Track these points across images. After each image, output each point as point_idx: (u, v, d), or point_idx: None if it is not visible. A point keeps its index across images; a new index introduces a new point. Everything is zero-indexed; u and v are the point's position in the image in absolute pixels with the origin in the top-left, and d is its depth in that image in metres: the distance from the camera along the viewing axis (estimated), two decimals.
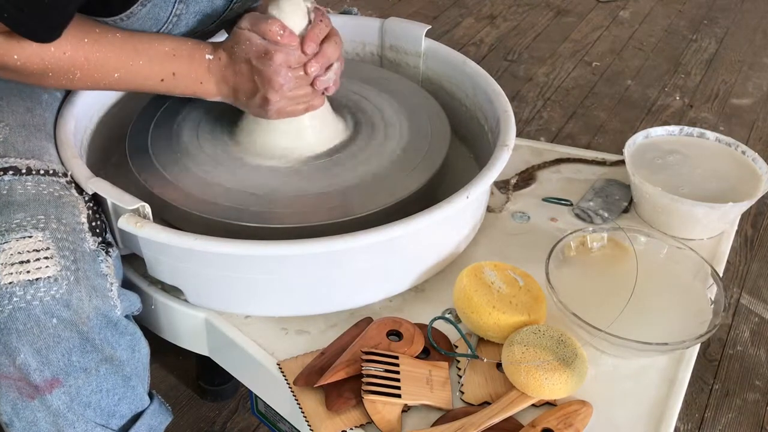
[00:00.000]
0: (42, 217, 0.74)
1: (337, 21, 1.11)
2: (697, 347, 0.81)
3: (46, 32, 0.73)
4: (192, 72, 0.83)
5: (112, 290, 0.75)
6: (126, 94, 1.03)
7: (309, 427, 0.73)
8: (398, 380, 0.73)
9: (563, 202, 1.00)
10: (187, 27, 0.86)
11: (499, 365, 0.77)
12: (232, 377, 0.93)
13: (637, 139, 1.02)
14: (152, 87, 0.83)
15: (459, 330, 0.79)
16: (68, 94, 0.93)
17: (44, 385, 0.72)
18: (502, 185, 1.04)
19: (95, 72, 0.79)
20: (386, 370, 0.74)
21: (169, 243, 0.75)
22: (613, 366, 0.79)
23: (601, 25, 2.61)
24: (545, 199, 1.01)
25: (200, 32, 0.91)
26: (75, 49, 0.76)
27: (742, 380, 1.39)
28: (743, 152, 1.00)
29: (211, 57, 0.83)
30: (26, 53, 0.74)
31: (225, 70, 0.83)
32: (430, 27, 1.09)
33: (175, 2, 0.81)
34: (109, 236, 0.80)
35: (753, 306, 1.54)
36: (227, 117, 0.96)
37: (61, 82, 0.79)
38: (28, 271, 0.70)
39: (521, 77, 2.28)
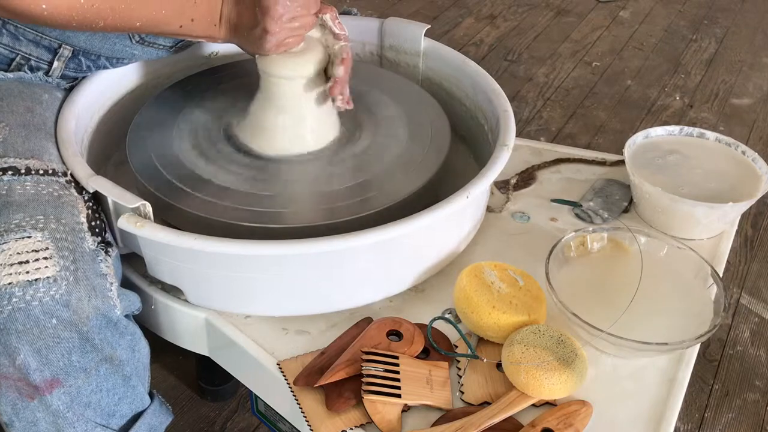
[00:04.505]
0: (41, 217, 0.74)
1: None
2: (697, 347, 0.81)
3: None
4: (209, 16, 0.83)
5: (111, 290, 0.75)
6: (127, 93, 1.03)
7: (309, 427, 0.73)
8: (398, 380, 0.73)
9: (571, 203, 1.00)
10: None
11: (499, 365, 0.77)
12: (232, 377, 0.93)
13: (637, 139, 1.02)
14: (170, 32, 0.84)
15: (459, 330, 0.79)
16: (69, 94, 0.93)
17: (44, 386, 0.72)
18: (502, 185, 1.03)
19: (119, 22, 0.79)
20: (386, 370, 0.74)
21: (169, 243, 0.75)
22: (613, 366, 0.79)
23: (601, 25, 2.61)
24: (553, 201, 1.01)
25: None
26: (103, 0, 0.76)
27: (742, 380, 1.38)
28: (743, 152, 1.00)
29: None
30: (54, 3, 0.74)
31: (231, 9, 0.84)
32: (430, 27, 1.09)
33: None
34: (108, 236, 0.80)
35: (753, 306, 1.54)
36: (227, 116, 0.96)
37: (84, 30, 0.81)
38: (28, 272, 0.70)
39: (521, 77, 2.28)
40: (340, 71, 0.88)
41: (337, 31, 0.89)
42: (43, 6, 0.74)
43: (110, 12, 0.77)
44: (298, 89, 0.89)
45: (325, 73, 0.91)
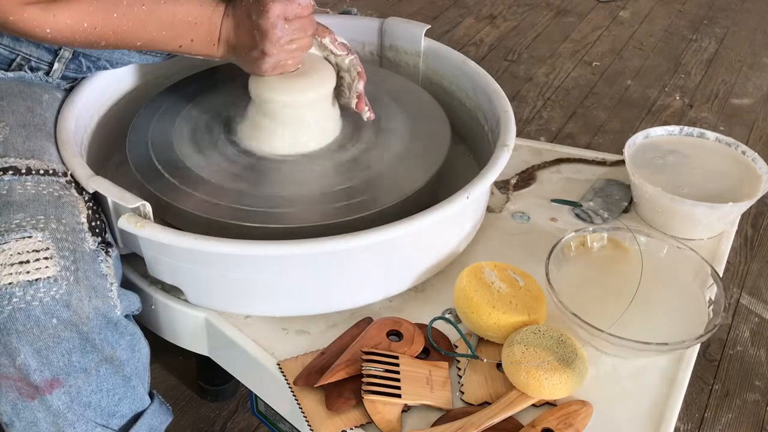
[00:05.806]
0: (42, 217, 0.74)
1: (337, 21, 1.11)
2: (697, 347, 0.81)
3: None
4: (208, 36, 0.84)
5: (111, 290, 0.75)
6: (127, 93, 1.03)
7: (309, 427, 0.73)
8: (398, 380, 0.73)
9: (571, 203, 1.00)
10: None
11: (499, 365, 0.77)
12: (232, 377, 0.93)
13: (637, 139, 1.02)
14: (170, 50, 0.86)
15: (459, 330, 0.79)
16: (69, 94, 0.93)
17: (44, 386, 0.72)
18: (502, 185, 1.03)
19: (120, 42, 0.82)
20: (386, 370, 0.74)
21: (169, 243, 0.75)
22: (613, 366, 0.79)
23: (601, 25, 2.61)
24: (553, 201, 1.01)
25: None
26: (105, 23, 0.79)
27: (742, 380, 1.38)
28: (743, 152, 1.00)
29: (223, 19, 0.84)
30: (58, 28, 0.77)
31: (231, 31, 0.84)
32: (430, 26, 1.09)
33: None
34: (108, 236, 0.80)
35: (753, 306, 1.54)
36: (227, 116, 0.96)
37: (85, 48, 0.85)
38: (28, 272, 0.70)
39: (521, 77, 2.28)
40: (361, 86, 0.91)
41: (339, 53, 0.90)
42: (48, 30, 0.77)
43: (112, 34, 0.80)
44: (301, 108, 0.89)
45: None
